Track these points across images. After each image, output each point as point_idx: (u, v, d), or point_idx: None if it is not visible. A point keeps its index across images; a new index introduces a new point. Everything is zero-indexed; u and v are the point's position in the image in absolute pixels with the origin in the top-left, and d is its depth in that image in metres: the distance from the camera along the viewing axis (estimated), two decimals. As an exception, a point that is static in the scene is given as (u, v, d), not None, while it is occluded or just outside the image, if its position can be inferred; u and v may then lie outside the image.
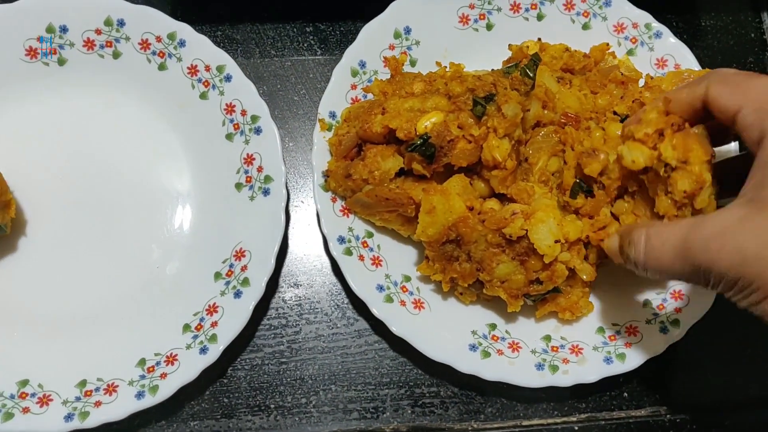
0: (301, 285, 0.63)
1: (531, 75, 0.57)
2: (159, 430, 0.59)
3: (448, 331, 0.59)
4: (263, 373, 0.60)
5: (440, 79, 0.61)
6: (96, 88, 0.65)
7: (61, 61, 0.64)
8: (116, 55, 0.64)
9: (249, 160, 0.61)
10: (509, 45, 0.64)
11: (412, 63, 0.66)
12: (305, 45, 0.68)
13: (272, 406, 0.59)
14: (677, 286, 0.61)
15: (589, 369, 0.58)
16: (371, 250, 0.61)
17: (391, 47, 0.65)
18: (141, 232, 0.62)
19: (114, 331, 0.60)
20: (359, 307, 0.62)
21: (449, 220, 0.56)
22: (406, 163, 0.58)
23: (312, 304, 0.62)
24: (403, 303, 0.59)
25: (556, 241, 0.55)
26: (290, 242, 0.64)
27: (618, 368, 0.58)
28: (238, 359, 0.60)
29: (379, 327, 0.61)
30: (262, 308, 0.61)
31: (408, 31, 0.65)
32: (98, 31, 0.64)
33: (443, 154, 0.57)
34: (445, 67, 0.64)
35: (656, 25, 0.66)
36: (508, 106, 0.56)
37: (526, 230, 0.55)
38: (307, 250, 0.64)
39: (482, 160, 0.57)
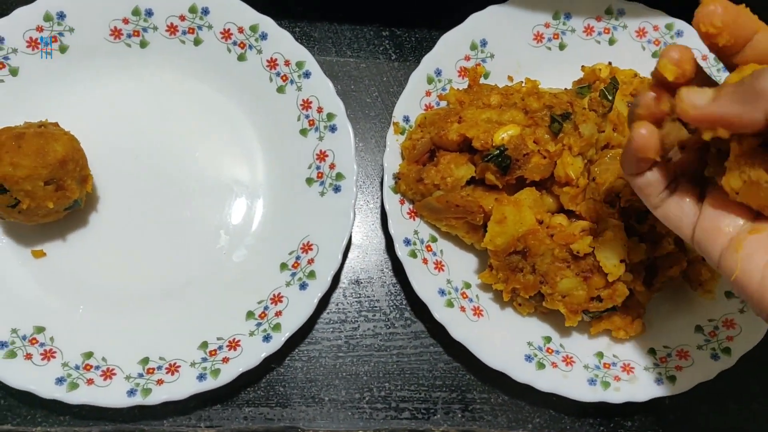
0: (362, 283, 0.64)
1: (610, 98, 0.59)
2: (214, 413, 0.60)
3: (505, 340, 0.60)
4: (319, 365, 0.61)
5: (517, 93, 0.62)
6: (175, 73, 0.66)
7: (143, 44, 0.66)
8: (197, 42, 0.65)
9: (322, 156, 0.63)
10: (582, 66, 0.66)
11: (485, 75, 0.67)
12: (381, 48, 0.70)
13: (326, 398, 0.60)
14: (730, 314, 0.62)
15: (640, 388, 0.59)
16: (434, 254, 0.62)
17: (467, 58, 0.66)
18: (210, 218, 0.63)
19: (177, 313, 0.61)
20: (417, 309, 0.63)
21: (519, 231, 0.57)
22: (479, 172, 0.60)
23: (371, 302, 0.63)
24: (463, 309, 0.60)
25: (621, 261, 0.56)
26: (354, 240, 0.65)
27: (668, 390, 0.59)
28: (296, 350, 0.62)
29: (435, 330, 0.62)
30: (322, 302, 0.62)
31: (484, 43, 0.67)
32: (182, 17, 0.65)
33: (518, 166, 0.58)
34: (521, 82, 0.66)
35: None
36: (585, 126, 0.57)
37: (593, 248, 0.56)
38: (369, 249, 0.65)
39: (554, 175, 0.59)
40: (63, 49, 0.64)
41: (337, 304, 0.63)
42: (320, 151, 0.63)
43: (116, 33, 0.65)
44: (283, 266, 0.61)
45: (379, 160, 0.66)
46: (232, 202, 0.64)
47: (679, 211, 0.44)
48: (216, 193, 0.64)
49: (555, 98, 0.60)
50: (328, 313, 0.63)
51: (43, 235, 0.61)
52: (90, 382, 0.57)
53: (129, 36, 0.65)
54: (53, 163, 0.56)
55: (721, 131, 0.37)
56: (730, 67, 0.40)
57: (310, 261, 0.60)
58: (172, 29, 0.65)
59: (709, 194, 0.43)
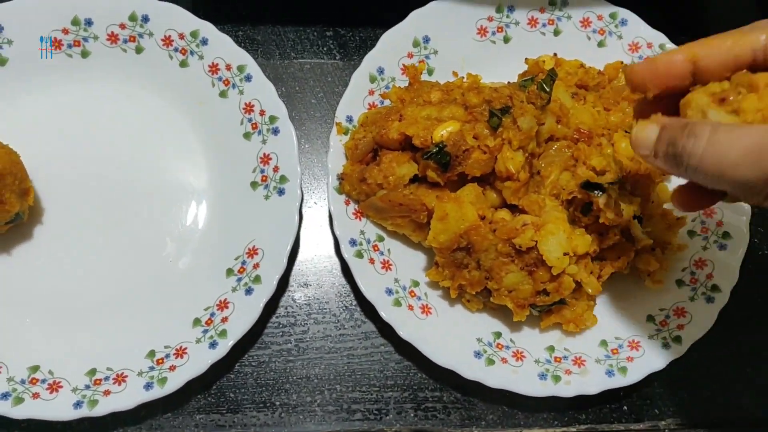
0: (310, 285, 0.63)
1: (547, 90, 0.58)
2: (165, 421, 0.59)
3: (454, 337, 0.60)
4: (270, 370, 0.61)
5: (457, 89, 0.62)
6: (117, 82, 0.66)
7: (85, 54, 0.65)
8: (139, 50, 0.65)
9: (265, 159, 0.62)
10: (526, 59, 0.65)
11: (430, 72, 0.67)
12: (324, 49, 0.69)
13: (277, 403, 0.60)
14: (681, 303, 0.62)
15: (591, 381, 0.59)
16: (381, 254, 0.62)
17: (410, 55, 0.66)
18: (155, 226, 0.63)
19: (124, 322, 0.60)
20: (367, 309, 0.63)
21: (461, 227, 0.57)
22: (421, 170, 0.59)
23: (321, 304, 0.63)
24: (411, 307, 0.60)
25: (565, 254, 0.56)
26: (301, 242, 0.65)
27: (619, 381, 0.59)
28: (246, 355, 0.61)
29: (385, 330, 0.62)
30: (271, 306, 0.61)
31: (427, 40, 0.66)
32: (122, 26, 0.65)
33: (458, 163, 0.58)
34: (462, 77, 0.65)
35: (670, 46, 0.67)
36: (523, 119, 0.57)
37: (536, 242, 0.56)
38: (317, 251, 0.65)
39: (495, 170, 0.58)
40: (2, 62, 0.64)
41: (286, 308, 0.63)
42: (264, 154, 0.63)
43: (56, 44, 0.65)
44: (229, 272, 0.61)
45: (326, 161, 0.66)
46: (177, 208, 0.64)
47: None
48: (161, 200, 0.64)
49: (495, 92, 0.59)
50: (277, 317, 0.62)
51: (-12, 249, 0.61)
52: (36, 396, 0.56)
53: (70, 46, 0.65)
54: (-11, 177, 0.55)
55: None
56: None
57: (256, 265, 0.60)
58: (112, 38, 0.65)
59: None
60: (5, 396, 0.56)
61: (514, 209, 0.59)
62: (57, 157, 0.64)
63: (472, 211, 0.57)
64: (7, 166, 0.57)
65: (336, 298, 0.63)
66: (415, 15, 0.66)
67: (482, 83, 0.64)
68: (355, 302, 0.63)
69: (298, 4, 0.70)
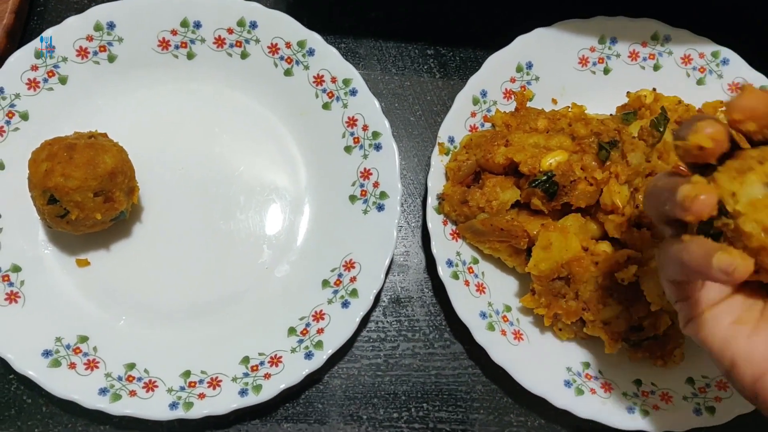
0: (402, 302, 0.64)
1: (661, 129, 0.59)
2: (253, 428, 0.60)
3: (545, 364, 0.60)
4: (359, 383, 0.61)
5: (564, 118, 0.62)
6: (220, 86, 0.67)
7: (190, 56, 0.66)
8: (244, 55, 0.66)
9: (366, 174, 0.63)
10: (627, 92, 0.66)
11: (530, 98, 0.67)
12: (425, 67, 0.70)
13: (365, 417, 0.61)
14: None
15: (679, 418, 0.59)
16: (476, 276, 0.62)
17: (512, 80, 0.66)
18: (253, 232, 0.64)
19: (219, 327, 0.61)
20: (456, 330, 0.63)
21: (564, 257, 0.57)
22: (524, 196, 0.60)
23: (411, 322, 0.63)
24: (504, 332, 0.60)
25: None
26: (394, 258, 0.65)
27: (707, 421, 0.59)
28: (335, 367, 0.62)
29: (474, 352, 0.62)
30: (362, 320, 0.61)
31: (530, 66, 0.67)
32: (230, 31, 0.65)
33: (564, 192, 0.58)
34: (567, 107, 0.66)
35: (769, 89, 0.68)
36: (634, 155, 0.57)
37: (638, 277, 0.56)
38: (410, 269, 0.65)
39: (600, 203, 0.59)
40: (111, 59, 0.64)
41: (377, 323, 0.63)
42: (364, 169, 0.63)
43: (164, 44, 0.65)
44: (325, 283, 0.61)
45: (421, 179, 0.66)
46: (274, 216, 0.64)
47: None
48: (260, 207, 0.64)
49: (602, 125, 0.60)
50: (368, 331, 0.63)
51: (87, 245, 0.62)
52: (132, 393, 0.57)
53: (177, 47, 0.65)
54: (103, 174, 0.56)
55: None
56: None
57: (353, 279, 0.60)
58: (219, 42, 0.65)
59: None
60: (104, 391, 0.57)
61: (614, 242, 0.60)
62: (157, 157, 0.64)
63: (576, 242, 0.57)
64: (118, 165, 0.57)
65: (426, 317, 0.64)
66: (520, 40, 0.66)
67: (587, 114, 0.64)
68: (445, 322, 0.64)
69: (401, 21, 0.70)
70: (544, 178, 0.58)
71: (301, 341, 0.59)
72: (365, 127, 0.63)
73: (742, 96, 0.37)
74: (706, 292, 0.42)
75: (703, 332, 0.42)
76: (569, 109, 0.65)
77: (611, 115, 0.65)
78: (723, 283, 0.40)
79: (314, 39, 0.64)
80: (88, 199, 0.56)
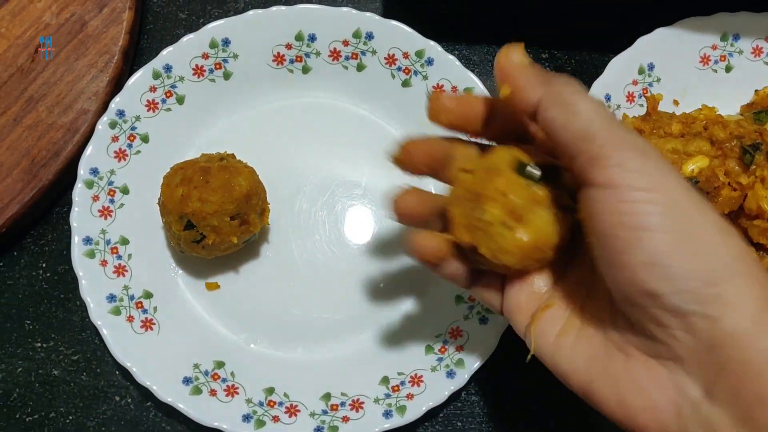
0: (534, 314, 0.62)
1: (805, 128, 0.57)
2: (393, 448, 0.59)
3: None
4: (498, 402, 0.60)
5: (698, 121, 0.60)
6: (336, 99, 0.65)
7: (305, 69, 0.64)
8: (360, 67, 0.64)
9: (494, 185, 0.61)
10: (756, 91, 0.64)
11: (652, 100, 0.65)
12: (541, 71, 0.68)
13: (506, 433, 0.60)
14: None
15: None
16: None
17: (635, 83, 0.65)
18: (380, 249, 0.62)
19: (354, 347, 0.60)
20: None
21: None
22: (664, 204, 0.58)
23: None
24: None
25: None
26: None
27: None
28: (471, 383, 0.61)
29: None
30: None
31: (651, 67, 0.65)
32: (346, 43, 0.63)
33: (708, 199, 0.56)
34: (699, 109, 0.64)
35: None
36: (782, 158, 0.56)
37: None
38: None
39: (744, 208, 0.57)
40: (227, 76, 0.63)
41: (510, 338, 0.62)
42: (492, 180, 0.61)
43: (279, 59, 0.64)
44: (459, 299, 0.60)
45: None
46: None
47: (488, 295, 0.46)
48: (383, 221, 0.63)
49: (741, 127, 0.58)
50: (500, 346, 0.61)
51: (216, 268, 0.61)
52: (275, 419, 0.56)
53: (291, 62, 0.64)
54: (239, 197, 0.55)
55: None
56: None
57: (489, 294, 0.59)
58: (334, 54, 0.64)
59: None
60: (247, 418, 0.56)
61: (759, 248, 0.58)
62: (280, 174, 0.63)
63: (724, 249, 0.56)
64: (252, 187, 0.56)
65: (560, 329, 0.62)
66: (642, 42, 0.64)
67: (725, 117, 0.62)
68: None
69: (514, 25, 0.68)
70: (689, 185, 0.56)
71: (440, 359, 0.58)
72: (490, 137, 0.62)
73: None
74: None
75: (537, 351, 0.42)
76: (700, 111, 0.63)
77: (741, 115, 0.63)
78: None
79: (433, 48, 0.63)
80: (225, 223, 0.55)
